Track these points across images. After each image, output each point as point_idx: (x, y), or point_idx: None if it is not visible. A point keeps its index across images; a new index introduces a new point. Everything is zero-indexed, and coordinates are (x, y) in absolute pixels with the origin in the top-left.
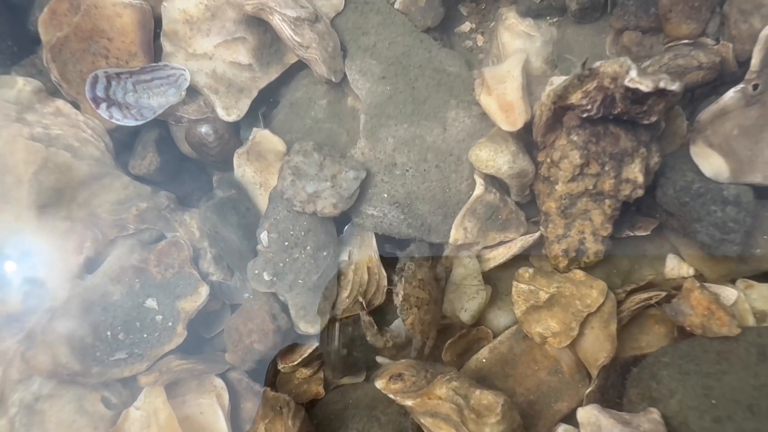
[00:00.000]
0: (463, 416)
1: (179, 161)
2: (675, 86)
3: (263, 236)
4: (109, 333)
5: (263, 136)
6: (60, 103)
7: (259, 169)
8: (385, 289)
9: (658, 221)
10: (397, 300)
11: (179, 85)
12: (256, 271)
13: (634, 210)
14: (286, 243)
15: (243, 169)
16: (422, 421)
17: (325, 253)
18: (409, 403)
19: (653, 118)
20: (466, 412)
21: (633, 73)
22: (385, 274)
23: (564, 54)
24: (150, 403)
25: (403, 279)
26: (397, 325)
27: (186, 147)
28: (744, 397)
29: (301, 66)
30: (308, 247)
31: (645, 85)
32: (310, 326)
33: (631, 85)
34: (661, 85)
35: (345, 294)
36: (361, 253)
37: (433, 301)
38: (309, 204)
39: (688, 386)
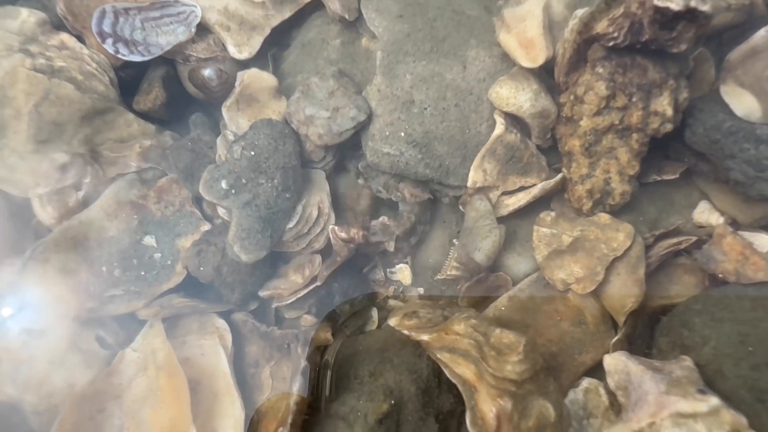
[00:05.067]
0: (482, 353)
1: (186, 103)
2: (706, 7)
3: (236, 148)
4: (104, 269)
5: (251, 76)
6: (65, 36)
7: (253, 115)
8: (330, 231)
9: (686, 165)
10: (382, 187)
11: (189, 23)
12: (216, 176)
13: (661, 155)
14: (257, 165)
15: (236, 122)
16: (439, 356)
17: (288, 196)
18: (424, 338)
19: (683, 46)
20: (485, 348)
21: None
22: (333, 217)
23: None
24: (148, 344)
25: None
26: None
27: (192, 88)
28: None
29: (314, 6)
30: (275, 181)
31: (675, 3)
32: (243, 253)
33: (661, 4)
34: (692, 4)
35: (290, 225)
36: (313, 194)
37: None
38: (303, 126)
39: (722, 333)
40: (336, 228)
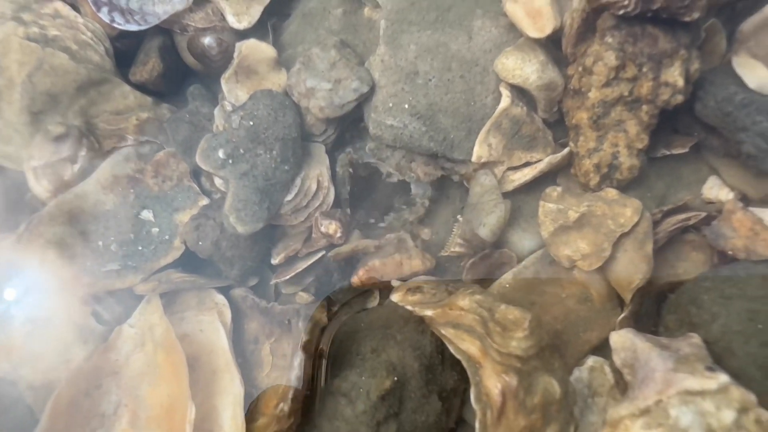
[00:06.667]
0: (487, 328)
1: (183, 74)
2: None
3: (235, 117)
4: (100, 243)
5: (249, 47)
6: (59, 4)
7: (252, 87)
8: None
9: (696, 139)
10: (394, 169)
11: None
12: (213, 145)
13: (670, 129)
14: (256, 135)
15: (235, 94)
16: (443, 332)
17: (286, 168)
18: (428, 313)
19: (695, 15)
20: (490, 324)
21: None
22: (333, 191)
23: None
24: (145, 320)
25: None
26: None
27: (190, 59)
28: None
29: None
30: (274, 152)
31: None
32: (239, 224)
33: None
34: None
35: (288, 198)
36: (313, 167)
37: None
38: (304, 98)
39: (731, 311)
40: (319, 216)
